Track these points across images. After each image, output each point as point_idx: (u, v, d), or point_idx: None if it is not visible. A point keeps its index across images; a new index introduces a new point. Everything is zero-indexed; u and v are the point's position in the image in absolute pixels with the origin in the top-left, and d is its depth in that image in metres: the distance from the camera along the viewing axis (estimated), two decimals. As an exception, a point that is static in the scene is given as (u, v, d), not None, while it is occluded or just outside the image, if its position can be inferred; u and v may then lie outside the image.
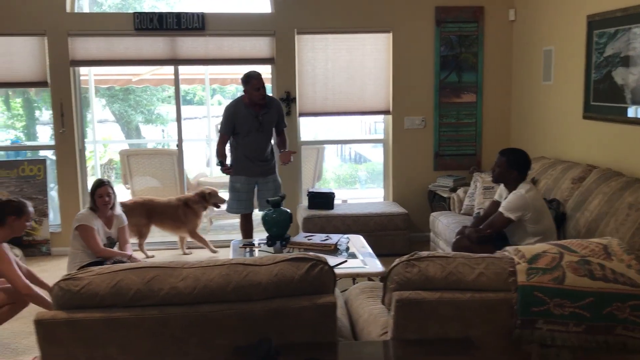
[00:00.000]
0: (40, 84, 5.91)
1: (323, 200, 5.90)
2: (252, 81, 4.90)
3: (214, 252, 5.86)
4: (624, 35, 4.28)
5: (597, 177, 4.28)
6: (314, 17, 6.01)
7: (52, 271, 5.53)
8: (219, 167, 5.11)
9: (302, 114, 6.15)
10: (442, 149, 6.29)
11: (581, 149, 4.94)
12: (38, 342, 2.20)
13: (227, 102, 6.15)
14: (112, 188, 5.07)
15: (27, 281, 3.81)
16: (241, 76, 4.99)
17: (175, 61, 6.01)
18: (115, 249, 5.17)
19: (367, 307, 2.68)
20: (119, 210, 5.06)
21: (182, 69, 7.13)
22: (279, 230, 4.61)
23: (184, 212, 5.71)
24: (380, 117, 6.68)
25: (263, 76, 5.03)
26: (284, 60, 6.04)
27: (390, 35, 6.12)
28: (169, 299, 2.22)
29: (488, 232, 4.01)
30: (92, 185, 5.06)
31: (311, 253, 2.40)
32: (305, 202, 6.25)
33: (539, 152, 5.55)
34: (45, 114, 10.46)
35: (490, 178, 5.14)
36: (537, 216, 3.92)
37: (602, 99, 4.60)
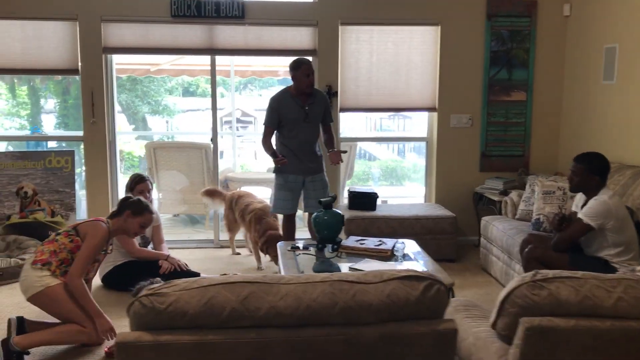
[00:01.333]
0: (70, 71, 5.60)
1: (365, 200, 5.61)
2: (302, 67, 4.62)
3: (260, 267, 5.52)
4: None
5: (676, 185, 3.99)
6: (359, 8, 5.70)
7: (81, 269, 5.23)
8: (273, 160, 4.73)
9: (343, 109, 5.85)
10: (489, 149, 5.99)
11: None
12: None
13: (229, 94, 5.86)
14: (151, 184, 4.79)
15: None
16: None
17: (213, 51, 5.70)
18: (149, 248, 4.90)
19: (470, 330, 2.39)
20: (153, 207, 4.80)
21: (186, 59, 6.78)
22: (330, 233, 4.32)
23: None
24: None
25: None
26: (326, 52, 5.73)
27: (438, 29, 5.81)
28: (269, 320, 1.93)
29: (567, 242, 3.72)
30: (130, 180, 4.80)
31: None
32: (343, 202, 5.97)
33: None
34: (49, 103, 10.16)
35: (550, 182, 4.87)
36: (620, 225, 3.63)
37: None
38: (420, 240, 5.10)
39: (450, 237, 5.44)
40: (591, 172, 3.74)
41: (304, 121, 4.71)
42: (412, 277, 2.03)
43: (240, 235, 5.69)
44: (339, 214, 4.35)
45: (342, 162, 4.87)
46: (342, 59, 5.77)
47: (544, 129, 6.01)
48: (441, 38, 5.81)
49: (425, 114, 6.17)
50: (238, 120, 16.55)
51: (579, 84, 5.66)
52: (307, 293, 1.97)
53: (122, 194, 5.99)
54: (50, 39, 5.52)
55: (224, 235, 6.06)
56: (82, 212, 5.89)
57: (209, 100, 6.08)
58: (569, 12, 5.80)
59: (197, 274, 4.68)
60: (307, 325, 1.95)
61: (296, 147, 4.76)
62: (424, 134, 6.22)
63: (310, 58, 5.76)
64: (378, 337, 1.95)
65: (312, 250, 4.35)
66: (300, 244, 4.50)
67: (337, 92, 5.76)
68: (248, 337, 1.91)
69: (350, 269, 3.92)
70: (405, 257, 4.16)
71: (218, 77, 6.07)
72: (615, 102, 5.10)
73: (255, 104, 18.01)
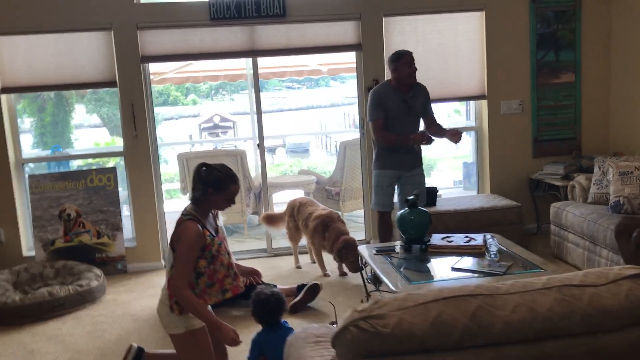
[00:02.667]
0: (108, 83, 5.32)
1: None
2: (404, 57, 4.50)
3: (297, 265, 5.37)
4: None
5: None
6: (402, -3, 5.53)
7: (139, 291, 4.98)
8: (416, 143, 4.60)
9: (392, 104, 5.66)
10: (541, 134, 5.85)
11: None
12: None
13: (203, 101, 5.62)
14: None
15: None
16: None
17: (254, 52, 5.46)
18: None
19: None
20: (221, 220, 4.55)
21: (156, 66, 6.40)
22: (417, 232, 4.13)
23: None
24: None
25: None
26: (371, 46, 5.53)
27: (483, 14, 5.65)
28: (505, 336, 1.73)
29: None
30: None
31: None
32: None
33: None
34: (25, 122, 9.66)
35: (624, 162, 4.74)
36: None
37: None
38: (487, 231, 4.94)
39: (517, 226, 5.29)
40: None
41: (406, 115, 4.56)
42: (628, 277, 1.85)
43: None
44: (426, 212, 4.16)
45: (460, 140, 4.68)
46: (387, 52, 5.56)
47: (594, 109, 5.89)
48: (486, 23, 5.65)
49: (470, 103, 6.02)
50: (217, 126, 16.29)
51: (631, 61, 5.55)
52: (538, 302, 1.77)
53: (167, 207, 5.76)
54: (85, 52, 5.23)
55: (277, 243, 5.84)
56: (128, 231, 5.61)
57: (182, 108, 5.83)
58: (614, -11, 5.69)
59: (274, 286, 4.45)
60: (546, 339, 1.75)
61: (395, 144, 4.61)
62: (472, 123, 6.07)
63: (354, 53, 5.63)
64: (623, 345, 1.76)
65: (399, 251, 4.17)
66: (397, 246, 4.30)
67: (384, 87, 5.57)
68: (487, 356, 1.71)
69: (453, 269, 3.75)
70: (499, 252, 3.99)
71: (188, 84, 5.83)
72: (678, 77, 5.00)
73: (231, 108, 17.80)
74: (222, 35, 5.37)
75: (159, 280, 5.14)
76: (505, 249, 4.07)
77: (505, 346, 1.74)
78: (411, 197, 4.17)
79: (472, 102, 6.05)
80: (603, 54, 5.81)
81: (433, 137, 4.65)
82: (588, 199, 5.00)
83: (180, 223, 2.81)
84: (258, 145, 5.72)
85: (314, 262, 5.29)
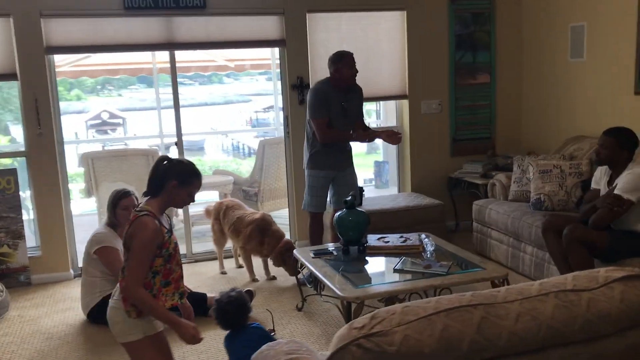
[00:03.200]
0: (7, 76, 4.78)
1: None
2: (346, 58, 4.40)
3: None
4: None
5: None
6: (325, -6, 5.43)
7: (48, 306, 4.52)
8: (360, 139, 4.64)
9: (315, 102, 5.54)
10: (459, 134, 5.98)
11: (634, 126, 4.82)
12: None
13: (88, 96, 5.39)
14: (137, 198, 4.22)
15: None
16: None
17: (172, 45, 5.14)
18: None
19: None
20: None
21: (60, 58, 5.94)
22: (355, 234, 4.05)
23: None
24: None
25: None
26: (295, 42, 5.39)
27: (404, 14, 5.67)
28: (512, 347, 1.65)
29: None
30: (111, 196, 4.19)
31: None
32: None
33: (569, 131, 5.40)
34: None
35: (544, 161, 4.92)
36: (654, 196, 3.71)
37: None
38: (413, 230, 4.98)
39: (440, 224, 5.36)
40: (621, 146, 3.80)
41: (344, 117, 4.48)
42: (633, 277, 1.85)
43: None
44: (364, 213, 4.10)
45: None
46: (311, 49, 5.45)
47: (508, 110, 6.11)
48: (407, 23, 5.69)
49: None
50: (105, 123, 15.47)
51: (541, 63, 5.80)
52: (540, 311, 1.71)
53: (75, 211, 5.30)
54: (-21, 40, 4.68)
55: (196, 248, 5.56)
56: (31, 239, 5.09)
57: (65, 104, 5.49)
58: (525, -7, 5.92)
59: (203, 295, 4.20)
60: (550, 347, 1.69)
61: (331, 143, 4.49)
62: (387, 123, 6.10)
63: (277, 49, 5.46)
64: (622, 349, 1.74)
65: (337, 253, 4.07)
66: (331, 247, 4.20)
67: (308, 85, 5.44)
68: (496, 371, 1.63)
69: (396, 270, 3.69)
70: (436, 251, 3.99)
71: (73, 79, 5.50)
72: (587, 79, 5.26)
73: (119, 104, 16.99)
74: (137, 26, 5.00)
75: (70, 292, 4.72)
76: (441, 248, 4.09)
77: (512, 357, 1.66)
78: (349, 198, 4.08)
79: (381, 103, 6.08)
80: (515, 55, 6.03)
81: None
82: (509, 196, 5.15)
83: (134, 219, 2.53)
84: (176, 143, 5.39)
85: (240, 267, 5.07)
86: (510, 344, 1.65)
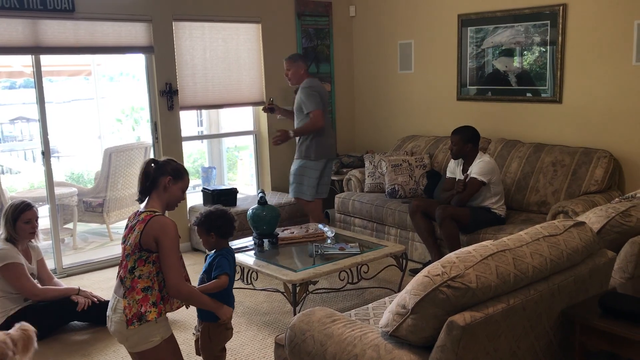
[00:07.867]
0: None
1: (227, 197, 5.65)
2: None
3: None
4: (505, 31, 5.39)
5: (502, 145, 5.33)
6: (189, 3, 5.62)
7: None
8: None
9: (183, 107, 5.70)
10: (308, 136, 6.60)
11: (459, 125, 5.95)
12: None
13: None
14: (37, 210, 4.03)
15: None
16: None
17: (38, 49, 4.88)
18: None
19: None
20: (33, 240, 4.08)
21: None
22: (269, 227, 4.41)
23: None
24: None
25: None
26: (162, 49, 5.49)
27: (259, 26, 6.13)
28: (534, 277, 2.29)
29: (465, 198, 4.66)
30: (10, 209, 3.95)
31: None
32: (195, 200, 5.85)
33: (403, 131, 6.40)
34: None
35: (394, 157, 5.79)
36: (497, 178, 4.75)
37: (482, 83, 5.66)
38: (292, 223, 5.51)
39: (307, 218, 5.92)
40: (465, 141, 4.76)
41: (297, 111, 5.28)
42: (580, 223, 2.62)
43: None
44: (276, 209, 4.47)
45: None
46: (178, 56, 5.60)
47: (345, 116, 6.93)
48: (262, 35, 6.15)
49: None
50: None
51: (372, 76, 6.73)
52: (542, 250, 2.37)
53: None
54: None
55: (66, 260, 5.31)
56: None
57: None
58: (355, 13, 6.79)
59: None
60: (552, 275, 2.37)
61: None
62: (250, 127, 6.49)
63: (144, 56, 5.51)
64: (587, 271, 2.49)
65: (252, 247, 4.37)
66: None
67: (177, 91, 5.58)
68: (528, 293, 2.25)
69: (318, 255, 4.15)
70: (335, 236, 4.56)
71: None
72: (415, 88, 6.29)
73: None
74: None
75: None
76: (337, 234, 4.66)
77: (535, 284, 2.30)
78: (261, 195, 4.42)
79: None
80: (348, 68, 6.88)
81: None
82: (364, 189, 5.93)
83: (149, 219, 2.59)
84: (43, 152, 5.10)
85: None
86: (534, 275, 2.29)
